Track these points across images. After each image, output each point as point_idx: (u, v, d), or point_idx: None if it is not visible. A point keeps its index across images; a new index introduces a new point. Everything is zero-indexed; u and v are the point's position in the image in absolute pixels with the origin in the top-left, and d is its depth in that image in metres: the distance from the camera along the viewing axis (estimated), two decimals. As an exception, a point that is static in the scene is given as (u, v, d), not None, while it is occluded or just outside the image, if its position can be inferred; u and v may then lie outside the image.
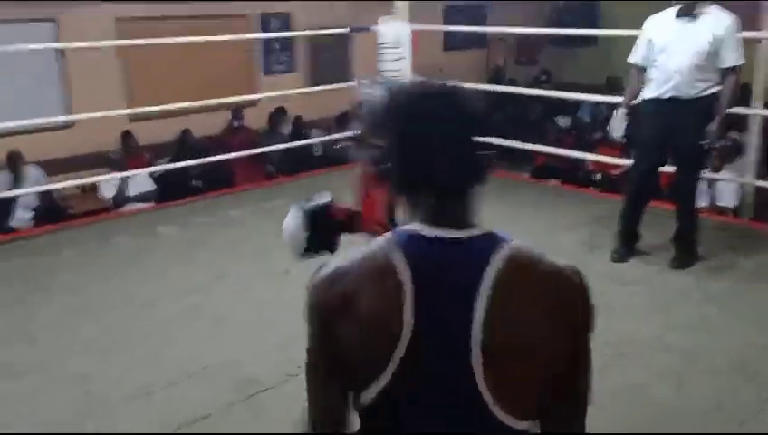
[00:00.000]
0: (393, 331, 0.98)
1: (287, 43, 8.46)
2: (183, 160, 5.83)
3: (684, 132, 3.66)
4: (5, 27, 6.03)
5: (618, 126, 3.92)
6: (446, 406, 1.00)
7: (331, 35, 7.21)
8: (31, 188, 5.79)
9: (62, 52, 6.63)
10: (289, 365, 2.83)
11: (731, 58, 3.54)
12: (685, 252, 3.89)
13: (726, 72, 3.57)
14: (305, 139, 7.07)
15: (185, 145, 7.01)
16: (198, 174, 6.53)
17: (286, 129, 7.75)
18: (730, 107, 3.66)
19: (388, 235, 1.05)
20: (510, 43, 10.71)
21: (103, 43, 6.02)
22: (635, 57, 3.83)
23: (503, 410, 0.99)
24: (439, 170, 1.02)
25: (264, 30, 7.95)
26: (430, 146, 1.02)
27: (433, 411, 1.01)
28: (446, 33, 9.40)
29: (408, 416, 1.03)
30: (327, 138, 6.89)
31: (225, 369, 2.92)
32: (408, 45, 6.05)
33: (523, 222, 4.68)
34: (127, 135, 6.78)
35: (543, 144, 6.35)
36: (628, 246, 4.01)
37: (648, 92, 3.77)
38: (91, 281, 3.85)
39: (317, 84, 7.14)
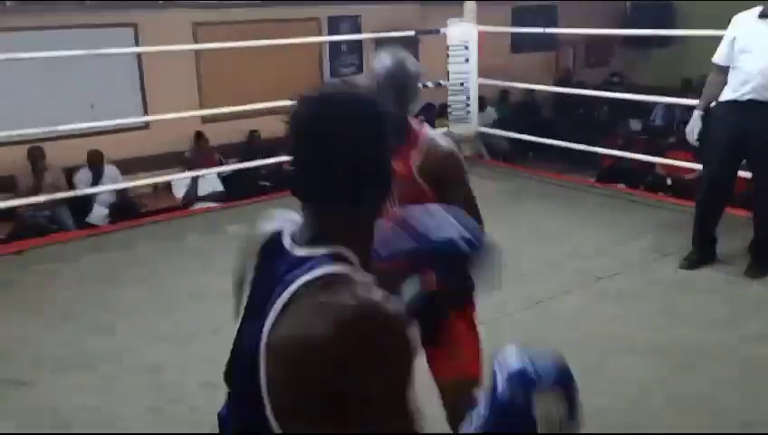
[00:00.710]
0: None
1: (355, 46, 8.55)
2: (251, 161, 5.97)
3: (760, 136, 3.52)
4: (89, 32, 6.32)
5: (693, 129, 3.80)
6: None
7: (399, 38, 7.24)
8: (109, 186, 6.04)
9: (140, 56, 6.90)
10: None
11: None
12: (760, 260, 3.73)
13: None
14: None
15: (253, 146, 7.18)
16: (266, 174, 6.67)
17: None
18: None
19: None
20: (580, 44, 10.51)
21: (180, 46, 6.24)
22: (718, 57, 3.70)
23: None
24: (293, 176, 1.00)
25: (333, 33, 8.06)
26: (293, 150, 1.01)
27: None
28: (514, 35, 9.30)
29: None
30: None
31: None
32: (475, 47, 6.03)
33: (589, 227, 4.59)
34: (199, 136, 7.00)
35: (612, 147, 6.21)
36: (701, 252, 3.86)
37: (725, 95, 3.63)
38: (163, 276, 4.00)
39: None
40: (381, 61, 1.84)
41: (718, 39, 3.74)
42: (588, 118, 9.08)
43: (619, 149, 6.31)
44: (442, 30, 6.03)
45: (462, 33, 5.96)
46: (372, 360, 0.89)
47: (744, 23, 3.58)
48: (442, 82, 6.26)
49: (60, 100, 6.30)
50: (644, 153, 6.12)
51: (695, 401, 2.68)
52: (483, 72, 6.18)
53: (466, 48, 6.02)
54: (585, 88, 8.13)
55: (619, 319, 3.38)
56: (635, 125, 8.81)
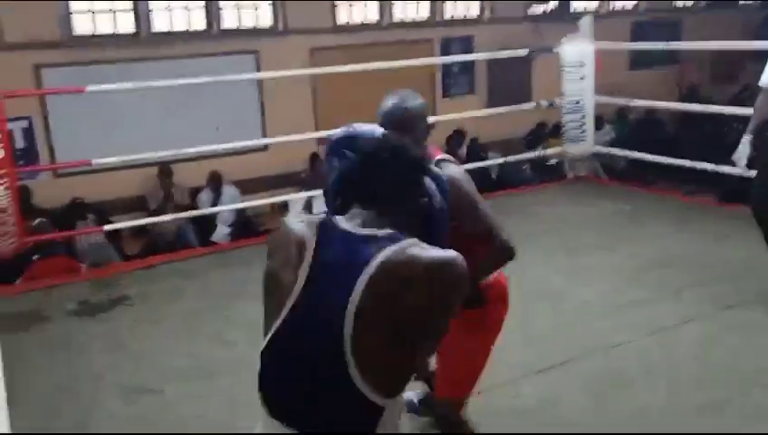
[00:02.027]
0: (289, 279, 1.34)
1: (467, 66, 8.55)
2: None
3: None
4: (214, 60, 6.71)
5: (742, 155, 3.60)
6: (313, 366, 1.30)
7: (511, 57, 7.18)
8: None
9: (260, 81, 7.23)
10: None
11: None
12: None
13: None
14: (482, 160, 7.07)
15: (366, 166, 7.31)
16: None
17: (463, 150, 7.82)
18: None
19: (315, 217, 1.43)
20: (706, 59, 10.00)
21: (298, 71, 6.49)
22: (764, 79, 3.45)
23: (366, 382, 1.25)
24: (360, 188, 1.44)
25: (445, 53, 8.11)
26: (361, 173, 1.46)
27: (299, 367, 1.32)
28: (634, 51, 8.99)
29: (279, 367, 1.36)
30: (504, 160, 6.83)
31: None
32: (591, 65, 5.87)
33: (714, 252, 4.32)
34: (315, 157, 7.22)
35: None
36: None
37: None
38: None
39: (495, 106, 7.13)
40: (383, 103, 2.06)
41: None
42: (715, 135, 8.59)
43: (749, 168, 5.90)
44: (555, 48, 5.91)
45: (577, 50, 5.82)
46: (454, 291, 1.30)
47: None
48: (556, 100, 6.13)
49: (187, 123, 6.71)
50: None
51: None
52: (599, 90, 6.00)
53: (582, 66, 5.86)
54: (713, 104, 7.70)
55: (747, 352, 3.15)
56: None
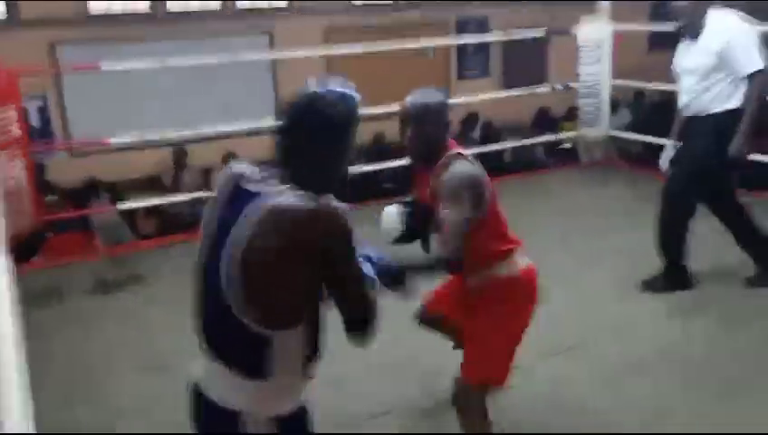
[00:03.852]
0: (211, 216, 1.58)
1: (482, 48, 8.48)
2: (376, 163, 6.07)
3: None
4: (229, 41, 6.69)
5: (666, 158, 3.68)
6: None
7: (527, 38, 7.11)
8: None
9: (274, 61, 7.21)
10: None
11: None
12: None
13: None
14: (496, 143, 7.03)
15: (379, 148, 7.29)
16: (390, 177, 6.76)
17: (476, 133, 7.78)
18: None
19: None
20: None
21: (312, 51, 6.45)
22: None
23: (249, 314, 1.43)
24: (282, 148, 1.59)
25: (461, 35, 8.04)
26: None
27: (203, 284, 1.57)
28: (653, 32, 8.86)
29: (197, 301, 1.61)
30: (518, 143, 6.79)
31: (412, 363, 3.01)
32: (609, 47, 5.80)
33: (730, 237, 4.28)
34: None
35: (762, 150, 5.71)
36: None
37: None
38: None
39: (511, 88, 7.07)
40: (406, 101, 2.22)
41: None
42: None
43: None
44: (572, 29, 5.85)
45: (594, 32, 5.76)
46: (336, 233, 1.43)
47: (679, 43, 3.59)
48: (571, 84, 6.08)
49: (200, 104, 6.70)
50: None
51: None
52: (616, 73, 5.94)
53: (599, 48, 5.80)
54: None
55: (765, 336, 3.13)
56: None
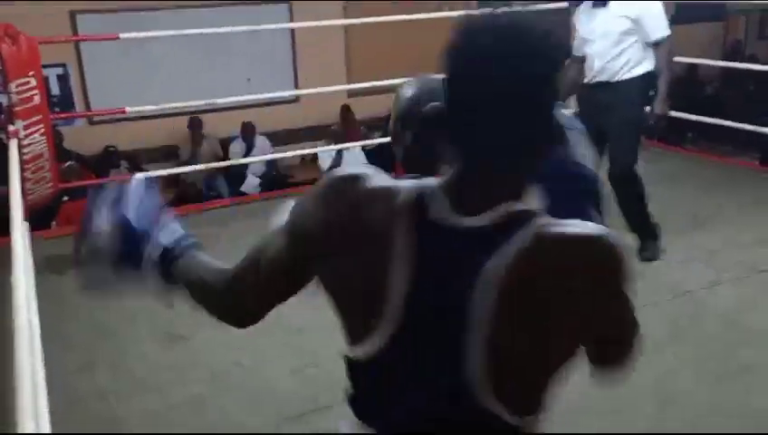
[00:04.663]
0: (384, 277, 0.91)
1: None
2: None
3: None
4: (247, 8, 6.65)
5: None
6: (431, 379, 0.93)
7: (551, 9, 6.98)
8: (261, 157, 6.37)
9: (293, 32, 7.16)
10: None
11: None
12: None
13: None
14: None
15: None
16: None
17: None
18: None
19: (418, 181, 0.95)
20: (753, 14, 9.62)
21: (331, 21, 6.40)
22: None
23: (495, 397, 0.90)
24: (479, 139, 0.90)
25: (481, 6, 7.92)
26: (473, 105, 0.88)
27: (417, 382, 0.94)
28: (677, 5, 8.68)
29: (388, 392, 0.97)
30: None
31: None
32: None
33: (751, 215, 4.23)
34: (346, 110, 7.18)
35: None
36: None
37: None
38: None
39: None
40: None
41: None
42: (761, 95, 8.32)
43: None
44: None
45: (618, 3, 5.63)
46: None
47: (582, 12, 3.73)
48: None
49: (218, 74, 6.70)
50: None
51: None
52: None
53: (623, 20, 5.69)
54: (757, 62, 7.44)
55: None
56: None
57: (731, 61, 8.05)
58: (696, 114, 5.56)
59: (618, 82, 3.58)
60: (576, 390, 1.18)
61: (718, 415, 2.45)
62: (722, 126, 5.33)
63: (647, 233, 3.67)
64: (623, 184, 3.64)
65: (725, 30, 9.56)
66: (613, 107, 3.58)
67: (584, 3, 3.74)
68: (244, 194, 6.25)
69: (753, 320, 3.09)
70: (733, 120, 5.26)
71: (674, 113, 6.09)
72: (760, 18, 9.71)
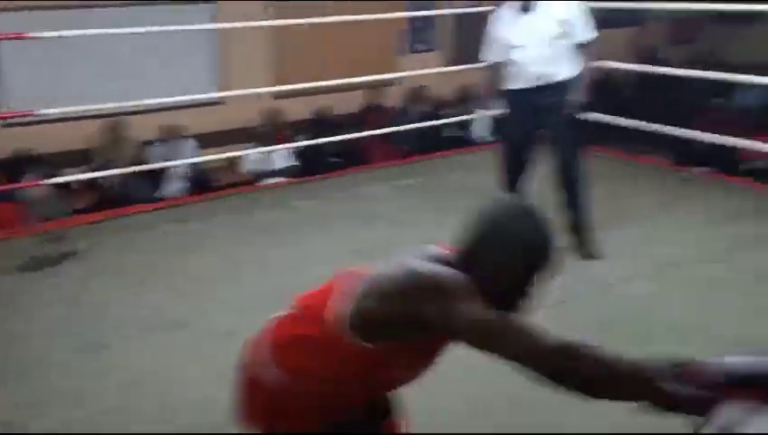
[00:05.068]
0: None
1: (433, 22, 8.43)
2: (322, 137, 6.01)
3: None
4: (169, 8, 6.49)
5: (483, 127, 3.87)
6: None
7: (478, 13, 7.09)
8: (185, 160, 6.21)
9: (218, 32, 7.03)
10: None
11: None
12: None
13: None
14: (440, 118, 7.03)
15: (324, 122, 7.22)
16: (337, 151, 6.71)
17: (423, 108, 7.77)
18: None
19: None
20: (665, 20, 10.06)
21: (256, 23, 6.31)
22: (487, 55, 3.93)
23: None
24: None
25: (411, 8, 7.96)
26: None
27: None
28: (597, 10, 8.97)
29: None
30: (459, 118, 6.81)
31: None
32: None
33: (666, 212, 4.42)
34: (272, 112, 7.09)
35: (696, 129, 5.92)
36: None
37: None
38: (232, 247, 4.09)
39: (461, 63, 7.06)
40: None
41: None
42: (673, 98, 8.70)
43: (704, 131, 6.01)
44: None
45: (503, 11, 5.77)
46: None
47: (508, 19, 3.77)
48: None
49: (141, 75, 6.50)
50: (730, 135, 5.80)
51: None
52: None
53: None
54: (670, 66, 7.77)
55: (695, 309, 3.24)
56: (722, 105, 8.37)
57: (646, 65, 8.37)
58: (613, 116, 5.77)
59: (557, 83, 3.65)
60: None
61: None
62: (638, 128, 5.54)
63: (586, 231, 3.77)
64: (569, 182, 3.74)
65: (640, 35, 9.95)
66: (556, 108, 3.65)
67: (506, 7, 3.77)
68: (166, 199, 6.08)
69: (666, 312, 3.22)
70: (648, 121, 5.47)
71: (592, 115, 6.33)
72: (672, 24, 10.16)
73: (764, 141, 5.87)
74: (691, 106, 8.31)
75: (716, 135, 5.59)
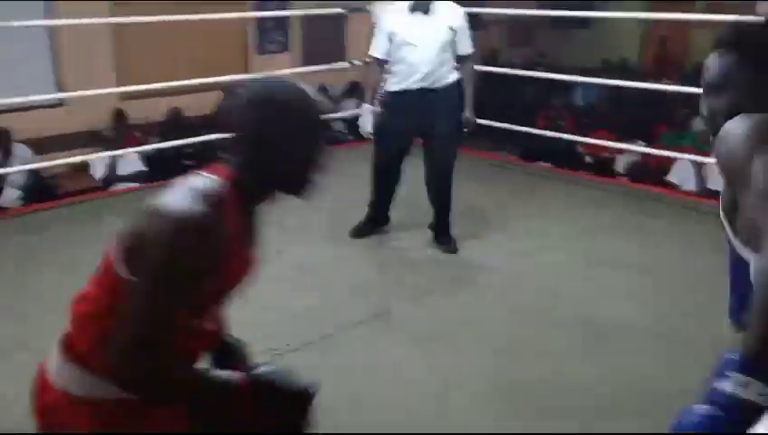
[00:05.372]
0: None
1: (282, 23, 8.38)
2: (174, 139, 5.79)
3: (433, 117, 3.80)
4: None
5: (367, 122, 3.90)
6: None
7: (327, 15, 7.14)
8: (18, 167, 5.74)
9: (55, 30, 6.56)
10: (277, 341, 2.84)
11: None
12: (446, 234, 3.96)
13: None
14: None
15: (176, 124, 6.97)
16: (190, 153, 6.50)
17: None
18: None
19: None
20: (504, 25, 10.65)
21: (95, 20, 5.96)
22: (376, 51, 3.85)
23: None
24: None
25: (261, 8, 7.87)
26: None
27: None
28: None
29: None
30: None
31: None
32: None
33: (515, 205, 4.68)
34: (119, 114, 6.74)
35: (536, 127, 6.34)
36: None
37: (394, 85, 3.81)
38: (79, 258, 3.82)
39: (311, 64, 7.07)
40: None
41: (633, 21, 3.87)
42: (513, 98, 9.22)
43: (543, 129, 6.44)
44: (369, 7, 5.96)
45: (390, 10, 5.90)
46: None
47: (398, 17, 3.73)
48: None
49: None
50: (567, 132, 6.26)
51: (617, 373, 2.78)
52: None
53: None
54: (512, 68, 8.24)
55: (538, 293, 3.46)
56: (558, 104, 8.99)
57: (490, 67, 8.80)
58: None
59: (442, 87, 3.70)
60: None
61: (500, 389, 2.68)
62: (488, 126, 5.82)
63: (449, 229, 3.92)
64: (443, 183, 3.84)
65: (483, 39, 10.46)
66: (439, 111, 3.70)
67: (397, 6, 3.75)
68: (3, 208, 5.60)
69: (515, 296, 3.42)
70: (495, 120, 5.76)
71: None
72: (510, 27, 10.78)
73: (600, 137, 6.43)
74: (533, 105, 8.88)
75: (557, 132, 6.04)
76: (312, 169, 1.37)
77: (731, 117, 1.34)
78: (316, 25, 8.35)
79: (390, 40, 3.72)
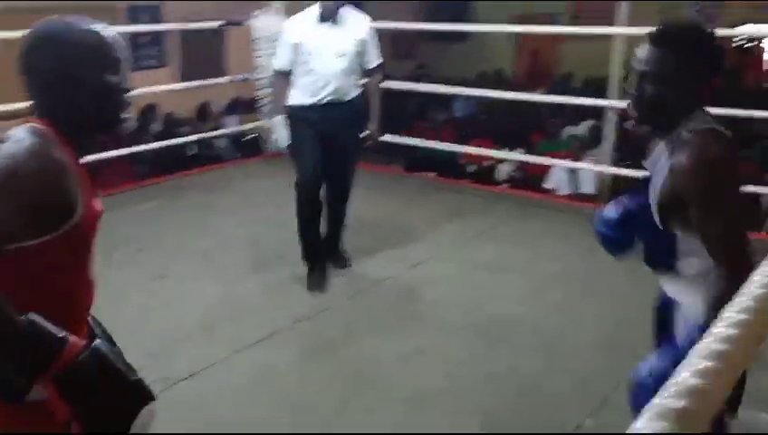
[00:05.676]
0: None
1: (158, 38, 8.12)
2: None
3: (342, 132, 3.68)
4: None
5: (281, 136, 3.67)
6: None
7: (205, 29, 6.97)
8: None
9: None
10: (163, 370, 2.72)
11: None
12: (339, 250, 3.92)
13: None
14: (177, 137, 6.79)
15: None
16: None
17: (157, 127, 7.45)
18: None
19: None
20: (386, 37, 10.83)
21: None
22: (280, 63, 3.66)
23: None
24: None
25: (133, 23, 7.58)
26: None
27: None
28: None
29: None
30: (200, 136, 6.66)
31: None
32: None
33: (402, 215, 4.75)
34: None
35: (419, 137, 6.46)
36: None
37: (299, 98, 3.62)
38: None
39: (190, 79, 6.88)
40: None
41: (508, 36, 4.00)
42: (396, 109, 9.37)
43: (426, 139, 6.58)
44: (247, 22, 5.89)
45: (270, 25, 5.85)
46: None
47: (305, 28, 3.55)
48: (249, 75, 6.12)
49: None
50: (448, 142, 6.43)
51: (506, 374, 2.87)
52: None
53: (275, 41, 5.90)
54: (393, 80, 8.37)
55: (435, 301, 3.53)
56: (439, 115, 9.23)
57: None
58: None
59: (349, 101, 3.58)
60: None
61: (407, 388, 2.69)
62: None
63: (340, 244, 3.88)
64: (343, 199, 3.75)
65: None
66: (347, 125, 3.60)
67: (303, 17, 3.57)
68: None
69: (409, 305, 3.47)
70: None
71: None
72: (393, 40, 10.96)
73: (478, 147, 6.66)
74: (414, 117, 9.07)
75: (438, 142, 6.19)
76: (118, 100, 1.38)
77: (656, 104, 1.58)
78: (196, 40, 8.15)
79: (296, 51, 3.52)
